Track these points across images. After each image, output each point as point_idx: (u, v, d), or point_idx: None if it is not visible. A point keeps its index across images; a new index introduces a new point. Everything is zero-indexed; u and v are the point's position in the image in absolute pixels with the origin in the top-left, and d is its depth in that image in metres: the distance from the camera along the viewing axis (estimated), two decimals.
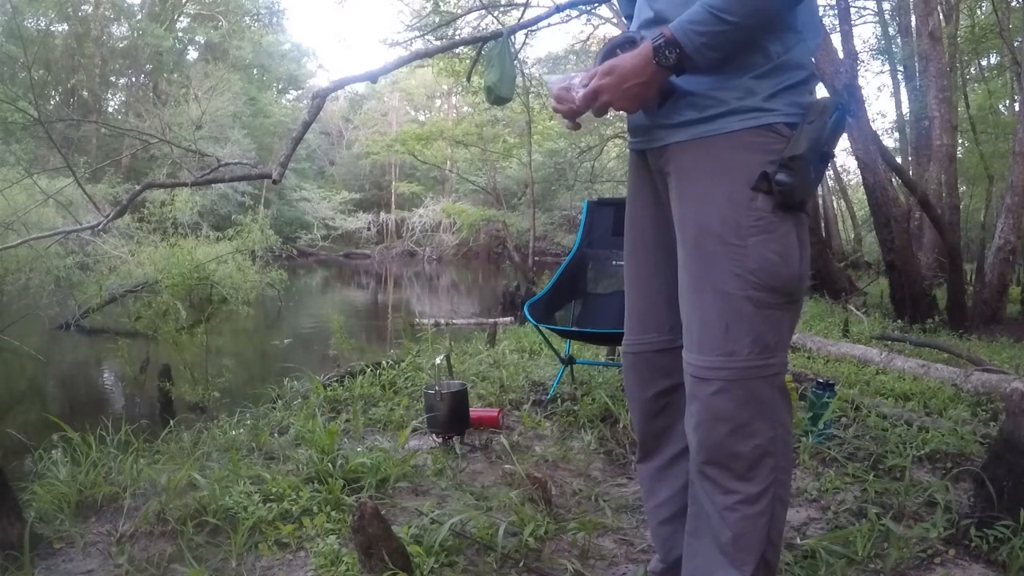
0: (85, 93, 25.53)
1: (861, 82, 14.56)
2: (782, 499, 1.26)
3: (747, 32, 1.16)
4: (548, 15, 5.83)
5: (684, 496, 1.40)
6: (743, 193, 1.20)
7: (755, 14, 1.14)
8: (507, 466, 2.27)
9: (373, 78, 4.30)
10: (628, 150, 1.48)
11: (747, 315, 1.21)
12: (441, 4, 12.56)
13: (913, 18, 11.05)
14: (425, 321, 8.98)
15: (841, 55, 7.60)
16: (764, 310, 1.21)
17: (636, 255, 1.46)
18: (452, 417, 2.54)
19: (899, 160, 11.71)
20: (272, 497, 1.97)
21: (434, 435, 2.60)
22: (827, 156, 1.22)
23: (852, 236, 20.32)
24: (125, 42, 26.72)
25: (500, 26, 6.75)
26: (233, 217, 15.93)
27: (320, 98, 3.90)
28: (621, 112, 1.29)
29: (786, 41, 1.21)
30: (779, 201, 1.19)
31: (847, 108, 1.31)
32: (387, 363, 3.80)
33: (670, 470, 1.46)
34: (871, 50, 15.35)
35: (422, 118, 34.75)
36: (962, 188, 12.74)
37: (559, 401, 3.14)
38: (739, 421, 1.21)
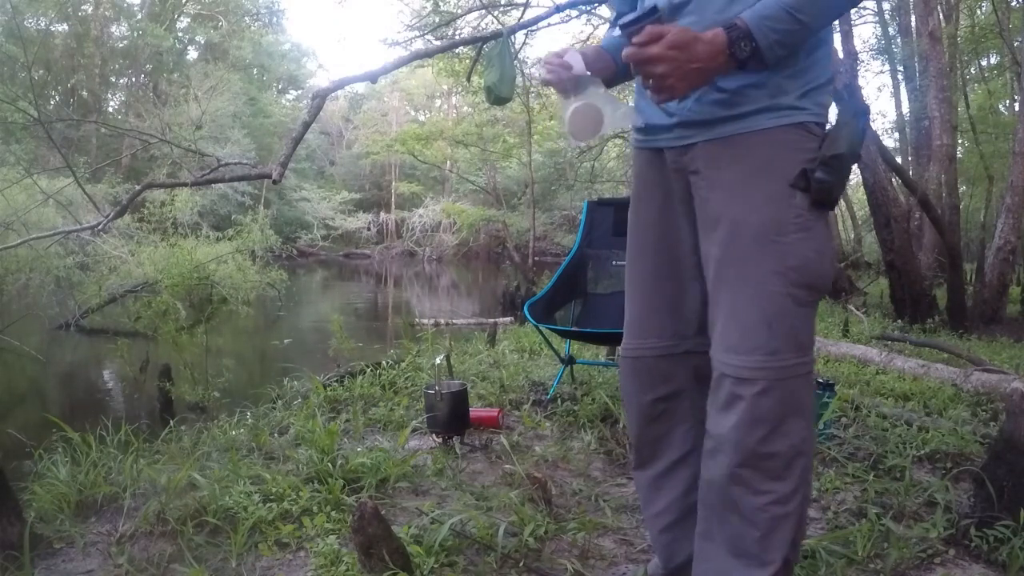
0: (85, 93, 25.50)
1: (861, 82, 14.53)
2: (807, 497, 1.26)
3: (812, 33, 1.16)
4: (548, 15, 5.84)
5: (684, 502, 1.39)
6: (782, 190, 1.19)
7: (823, 15, 1.15)
8: (507, 466, 2.28)
9: (373, 78, 4.31)
10: (635, 151, 1.44)
11: (788, 313, 1.20)
12: (441, 4, 12.54)
13: (913, 18, 11.04)
14: (425, 321, 8.98)
15: (841, 55, 7.60)
16: (802, 308, 1.21)
17: (640, 258, 1.43)
18: (452, 417, 2.55)
19: (899, 160, 11.69)
20: (272, 497, 1.97)
21: (434, 435, 2.60)
22: (858, 158, 1.24)
23: (852, 236, 20.32)
24: (125, 42, 26.71)
25: (500, 26, 6.76)
26: (233, 217, 15.95)
27: (320, 98, 3.91)
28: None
29: (812, 43, 1.21)
30: (815, 199, 1.19)
31: (868, 113, 1.33)
32: (387, 363, 3.80)
33: (667, 479, 1.44)
34: (871, 50, 15.32)
35: (422, 118, 34.70)
36: (962, 188, 12.73)
37: (559, 401, 3.14)
38: (778, 420, 1.20)
